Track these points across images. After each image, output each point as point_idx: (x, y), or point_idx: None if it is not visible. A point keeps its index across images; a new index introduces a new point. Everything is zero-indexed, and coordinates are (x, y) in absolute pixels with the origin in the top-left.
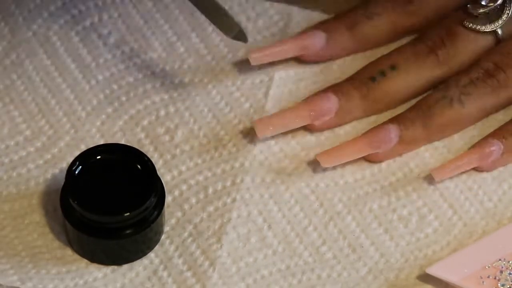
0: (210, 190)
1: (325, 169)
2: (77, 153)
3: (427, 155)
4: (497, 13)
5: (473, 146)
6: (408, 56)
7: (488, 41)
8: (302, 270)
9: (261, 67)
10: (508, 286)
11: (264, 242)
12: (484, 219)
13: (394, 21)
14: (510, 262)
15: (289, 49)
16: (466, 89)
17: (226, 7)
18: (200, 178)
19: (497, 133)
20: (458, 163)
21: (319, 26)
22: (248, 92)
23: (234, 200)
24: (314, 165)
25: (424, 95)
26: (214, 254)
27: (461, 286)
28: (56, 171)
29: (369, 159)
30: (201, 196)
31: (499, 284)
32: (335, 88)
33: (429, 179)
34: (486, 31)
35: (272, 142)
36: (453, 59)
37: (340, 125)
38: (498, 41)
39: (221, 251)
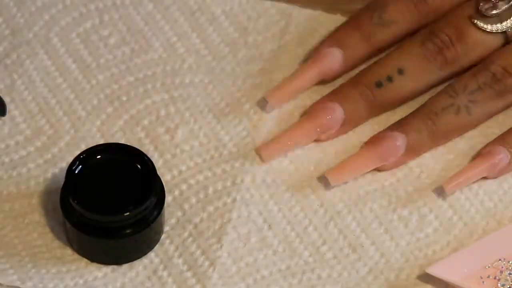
0: (210, 190)
1: (328, 167)
2: (77, 152)
3: (427, 155)
4: (508, 12)
5: (480, 155)
6: (416, 58)
7: (497, 41)
8: (302, 270)
9: (262, 67)
10: (508, 286)
11: (264, 242)
12: (485, 219)
13: (410, 25)
14: (510, 262)
15: (309, 79)
16: (473, 96)
17: (227, 7)
18: (200, 177)
19: (504, 141)
20: (468, 175)
21: (333, 40)
22: (248, 93)
23: (234, 200)
24: (315, 165)
25: (428, 92)
26: (214, 254)
27: (461, 286)
28: (56, 170)
29: (375, 169)
30: (201, 196)
31: (499, 284)
32: (339, 96)
33: (429, 178)
34: (496, 32)
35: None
36: (461, 59)
37: (346, 132)
38: (507, 41)
39: (221, 251)
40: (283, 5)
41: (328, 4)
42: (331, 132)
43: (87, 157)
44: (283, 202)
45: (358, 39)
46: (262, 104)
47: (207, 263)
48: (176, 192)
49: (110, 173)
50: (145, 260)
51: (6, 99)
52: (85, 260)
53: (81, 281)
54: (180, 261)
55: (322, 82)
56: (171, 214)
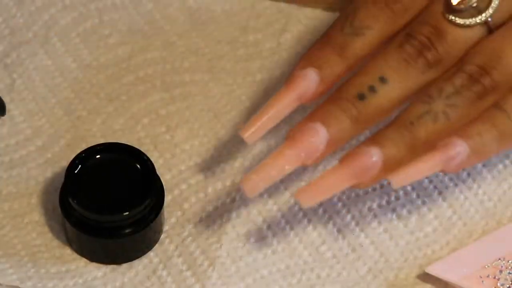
0: (210, 190)
1: (325, 167)
2: (77, 152)
3: None
4: (485, 1)
5: (435, 147)
6: (396, 63)
7: (479, 33)
8: (301, 270)
9: (262, 65)
10: (508, 286)
11: (263, 241)
12: (484, 219)
13: (386, 29)
14: (510, 261)
15: (285, 106)
16: (451, 100)
17: (227, 6)
18: (200, 177)
19: (462, 132)
20: (418, 168)
21: (305, 61)
22: (248, 91)
23: (233, 200)
24: (314, 164)
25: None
26: (214, 254)
27: (461, 286)
28: (56, 170)
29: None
30: (201, 195)
31: (498, 284)
32: (320, 115)
33: (429, 178)
34: (476, 24)
35: (272, 141)
36: (444, 59)
37: (333, 151)
38: (490, 31)
39: (221, 250)
40: (283, 4)
41: (328, 3)
42: (317, 155)
43: (87, 156)
44: (282, 202)
45: (331, 54)
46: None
47: (206, 262)
48: (176, 192)
49: (110, 173)
50: (144, 259)
51: (6, 99)
52: (84, 259)
53: (80, 281)
54: (180, 260)
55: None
56: (170, 213)
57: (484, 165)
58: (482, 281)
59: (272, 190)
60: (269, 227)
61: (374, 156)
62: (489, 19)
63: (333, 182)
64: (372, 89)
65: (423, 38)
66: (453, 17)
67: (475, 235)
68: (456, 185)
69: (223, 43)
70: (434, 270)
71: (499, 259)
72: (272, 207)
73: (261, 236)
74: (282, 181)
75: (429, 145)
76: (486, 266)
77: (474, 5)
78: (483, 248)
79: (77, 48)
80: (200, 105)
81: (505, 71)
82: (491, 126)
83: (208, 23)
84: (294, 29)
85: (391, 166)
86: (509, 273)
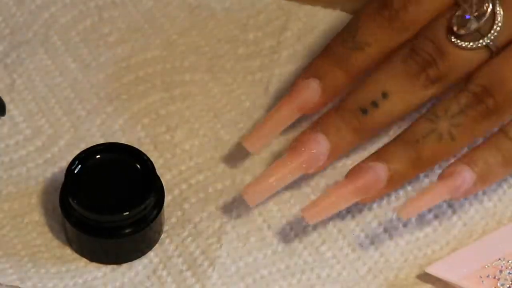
0: (210, 190)
1: (325, 168)
2: (76, 152)
3: None
4: (488, 23)
5: (441, 176)
6: (398, 79)
7: (482, 55)
8: (301, 270)
9: (262, 64)
10: (508, 286)
11: (263, 241)
12: (484, 219)
13: (386, 45)
14: (510, 261)
15: (287, 116)
16: (456, 120)
17: (227, 4)
18: (200, 177)
19: (468, 159)
20: (427, 199)
21: (308, 72)
22: (248, 90)
23: (234, 200)
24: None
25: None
26: (214, 254)
27: (461, 286)
28: (56, 170)
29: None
30: (201, 195)
31: (498, 284)
32: (322, 126)
33: (429, 177)
34: (478, 47)
35: (272, 142)
36: (446, 77)
37: (333, 162)
38: (492, 54)
39: (221, 250)
40: (283, 2)
41: (328, 1)
42: (319, 165)
43: (87, 156)
44: (282, 202)
45: (333, 66)
46: (263, 101)
47: (206, 262)
48: (176, 192)
49: (110, 173)
50: (144, 259)
51: (6, 99)
52: (84, 259)
53: (80, 281)
54: (180, 260)
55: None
56: (170, 213)
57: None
58: (482, 281)
59: None
60: (269, 227)
61: (379, 172)
62: (491, 43)
63: (338, 198)
64: (374, 104)
65: (426, 55)
66: (455, 40)
67: (475, 235)
68: None
69: (223, 41)
70: (434, 270)
71: (499, 259)
72: (272, 207)
73: (261, 236)
74: None
75: (433, 162)
76: (486, 266)
77: (476, 28)
78: (483, 248)
79: (77, 47)
80: (200, 105)
81: (507, 95)
82: (497, 152)
83: (208, 21)
84: (295, 27)
85: (395, 181)
86: (509, 273)
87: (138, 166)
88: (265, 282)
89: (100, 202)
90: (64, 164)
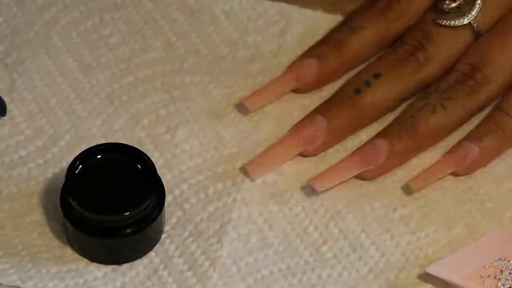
0: (211, 190)
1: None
2: (77, 152)
3: (427, 153)
4: (469, 4)
5: (449, 151)
6: (389, 62)
7: (466, 36)
8: (302, 270)
9: (262, 67)
10: (509, 286)
11: (264, 242)
12: (485, 219)
13: (379, 31)
14: (511, 261)
15: (283, 85)
16: (446, 94)
17: (227, 7)
18: (201, 177)
19: (473, 136)
20: (435, 171)
21: (308, 53)
22: (249, 93)
23: (234, 200)
24: (315, 164)
25: (408, 102)
26: (215, 254)
27: (462, 286)
28: (56, 170)
29: (362, 177)
30: (202, 195)
31: (499, 284)
32: (321, 108)
33: None
34: (461, 25)
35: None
36: (434, 58)
37: (334, 145)
38: (476, 34)
39: (222, 251)
40: (283, 5)
41: (328, 5)
42: (317, 143)
43: (87, 157)
44: (283, 202)
45: (330, 48)
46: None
47: (207, 263)
48: (176, 192)
49: (110, 173)
50: (145, 259)
51: (6, 99)
52: (85, 260)
53: (81, 281)
54: (180, 261)
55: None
56: (171, 213)
57: (485, 166)
58: (483, 281)
59: (273, 191)
60: (270, 227)
61: (379, 145)
62: (474, 23)
63: (343, 169)
64: (367, 83)
65: (414, 42)
66: (440, 20)
67: (476, 235)
68: (457, 185)
69: (223, 44)
70: (435, 270)
71: (500, 259)
72: (273, 207)
73: (262, 236)
74: (283, 181)
75: (430, 135)
76: (487, 266)
77: (458, 7)
78: (484, 248)
79: (77, 48)
80: (200, 106)
81: (493, 67)
82: (496, 127)
83: (208, 24)
84: (294, 31)
85: (396, 154)
86: (510, 273)
87: (139, 166)
88: (266, 282)
89: (101, 202)
90: (65, 164)
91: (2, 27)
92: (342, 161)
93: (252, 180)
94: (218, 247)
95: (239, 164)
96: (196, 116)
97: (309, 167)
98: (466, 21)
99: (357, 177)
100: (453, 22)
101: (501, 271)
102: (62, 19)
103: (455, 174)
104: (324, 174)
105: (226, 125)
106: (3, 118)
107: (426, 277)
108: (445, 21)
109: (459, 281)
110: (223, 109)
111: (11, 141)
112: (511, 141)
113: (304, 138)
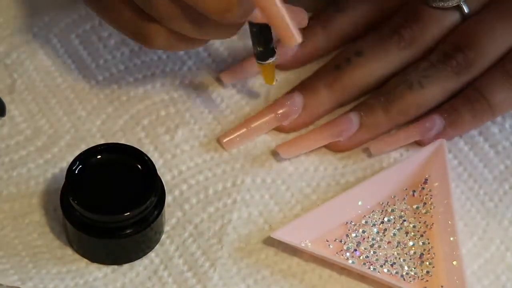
0: (211, 191)
1: (326, 169)
2: (77, 152)
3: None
4: None
5: (417, 121)
6: (373, 40)
7: (454, 18)
8: (303, 270)
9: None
10: (354, 249)
11: (265, 242)
12: (485, 219)
13: (366, 11)
14: (356, 224)
15: (321, 140)
16: (426, 72)
17: None
18: (201, 178)
19: (439, 109)
20: (399, 137)
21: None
22: (248, 95)
23: (234, 201)
24: (315, 165)
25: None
26: (215, 255)
27: (307, 250)
28: (57, 170)
29: (332, 149)
30: (202, 196)
31: (344, 247)
32: (300, 85)
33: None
34: (450, 7)
35: (273, 143)
36: (419, 39)
37: (312, 122)
38: (464, 16)
39: (222, 251)
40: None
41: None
42: (293, 117)
43: (87, 157)
44: (283, 203)
45: (316, 25)
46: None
47: (207, 263)
48: (177, 192)
49: (110, 173)
50: (145, 260)
51: (6, 99)
52: (85, 260)
53: (81, 281)
54: (181, 261)
55: None
56: (171, 214)
57: (485, 166)
58: (329, 245)
59: (273, 191)
60: (270, 227)
61: (351, 117)
62: (463, 5)
63: (313, 138)
64: (347, 60)
65: (400, 20)
66: (429, 1)
67: (477, 235)
68: (457, 185)
69: (223, 47)
70: (280, 234)
71: (346, 222)
72: (273, 207)
73: (263, 236)
74: (283, 182)
75: (405, 111)
76: (333, 230)
77: None
78: (329, 212)
79: (76, 49)
80: (200, 107)
81: (478, 51)
82: (467, 102)
83: None
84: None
85: (368, 127)
86: (355, 235)
87: (139, 166)
88: (266, 282)
89: (101, 203)
90: (65, 164)
91: (2, 27)
92: (312, 130)
93: (227, 150)
94: (219, 247)
95: (239, 165)
96: (196, 117)
97: (309, 167)
98: (455, 2)
99: (328, 148)
100: (442, 3)
101: (347, 235)
102: (61, 21)
103: (419, 143)
104: (291, 141)
105: (226, 126)
106: (3, 118)
107: (271, 241)
108: (434, 2)
109: (305, 245)
110: (223, 111)
111: (11, 141)
112: (479, 119)
113: (281, 112)
